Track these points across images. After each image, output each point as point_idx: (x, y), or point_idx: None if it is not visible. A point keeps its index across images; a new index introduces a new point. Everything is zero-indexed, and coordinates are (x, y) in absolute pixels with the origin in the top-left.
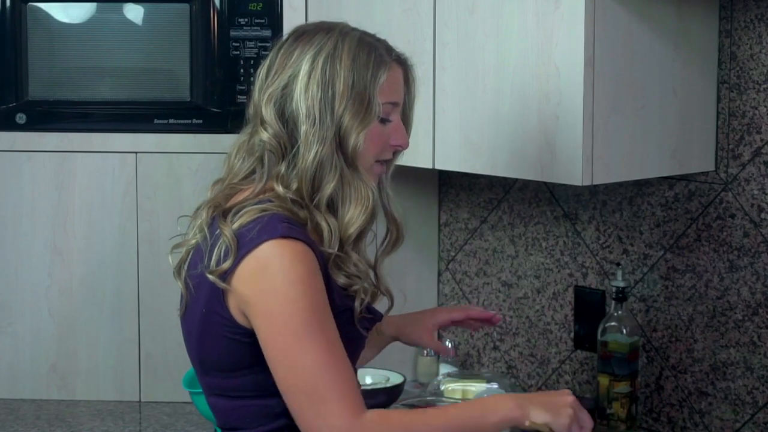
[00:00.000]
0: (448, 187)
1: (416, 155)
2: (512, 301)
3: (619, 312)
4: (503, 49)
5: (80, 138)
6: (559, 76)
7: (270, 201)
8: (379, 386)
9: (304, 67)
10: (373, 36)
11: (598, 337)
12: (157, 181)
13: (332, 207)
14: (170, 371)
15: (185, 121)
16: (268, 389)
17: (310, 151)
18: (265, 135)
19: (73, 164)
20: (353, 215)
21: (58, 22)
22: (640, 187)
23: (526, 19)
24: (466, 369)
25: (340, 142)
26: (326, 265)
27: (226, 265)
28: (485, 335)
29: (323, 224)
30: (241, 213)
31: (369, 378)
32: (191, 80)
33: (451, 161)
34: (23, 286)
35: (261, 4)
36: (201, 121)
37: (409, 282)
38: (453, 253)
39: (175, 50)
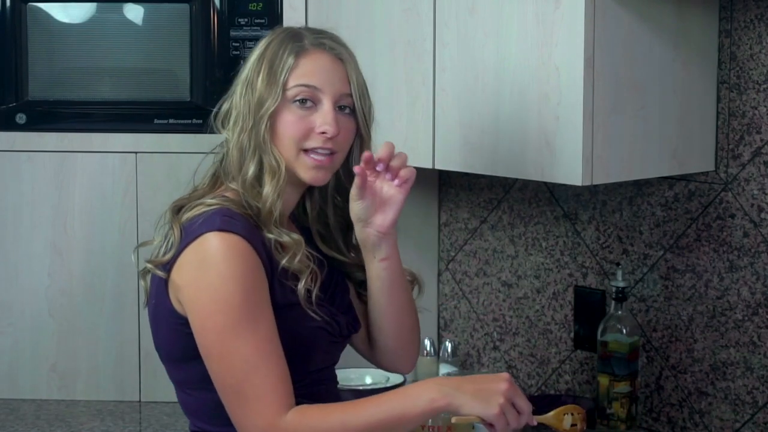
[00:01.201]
0: (448, 187)
1: (416, 155)
2: (512, 301)
3: (619, 312)
4: (503, 49)
5: (80, 138)
6: (559, 76)
7: (223, 197)
8: (379, 386)
9: (244, 72)
10: (314, 30)
11: (598, 337)
12: (157, 181)
13: (257, 188)
14: None
15: (185, 121)
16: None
17: (232, 140)
18: (223, 134)
19: (73, 164)
20: (266, 192)
21: (58, 22)
22: (640, 187)
23: (526, 19)
24: (466, 369)
25: (255, 129)
26: (270, 258)
27: (168, 256)
28: (485, 335)
29: (254, 205)
30: (192, 207)
31: (369, 378)
32: (191, 80)
33: (451, 161)
34: (23, 286)
35: (261, 4)
36: (201, 121)
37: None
38: (453, 253)
39: (175, 50)
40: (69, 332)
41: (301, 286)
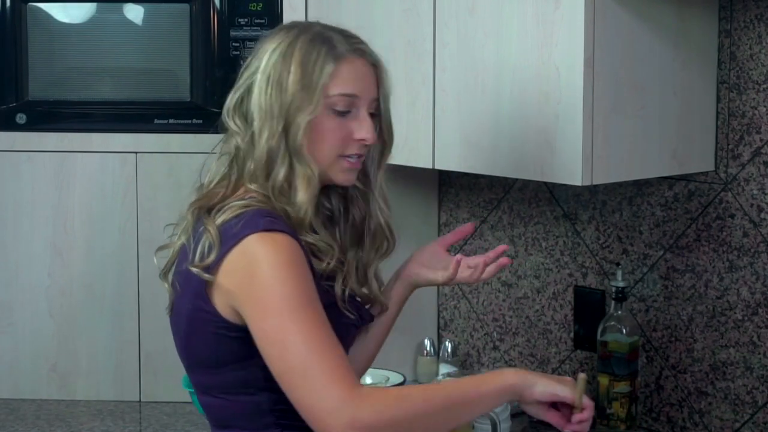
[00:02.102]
0: (448, 187)
1: (416, 155)
2: (512, 301)
3: (619, 312)
4: (503, 49)
5: (80, 138)
6: (559, 76)
7: (252, 197)
8: (378, 386)
9: (261, 65)
10: (337, 30)
11: (598, 336)
12: (157, 181)
13: (286, 195)
14: (170, 371)
15: (185, 121)
16: (255, 385)
17: (260, 143)
18: (235, 136)
19: (73, 164)
20: (301, 200)
21: (58, 22)
22: (640, 187)
23: (526, 19)
24: (466, 369)
25: (287, 133)
26: (307, 257)
27: (210, 259)
28: (485, 335)
29: (289, 210)
30: (223, 210)
31: (369, 378)
32: (191, 80)
33: (451, 161)
34: (23, 286)
35: (261, 4)
36: (201, 121)
37: None
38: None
39: (175, 50)
40: (69, 332)
41: (338, 287)
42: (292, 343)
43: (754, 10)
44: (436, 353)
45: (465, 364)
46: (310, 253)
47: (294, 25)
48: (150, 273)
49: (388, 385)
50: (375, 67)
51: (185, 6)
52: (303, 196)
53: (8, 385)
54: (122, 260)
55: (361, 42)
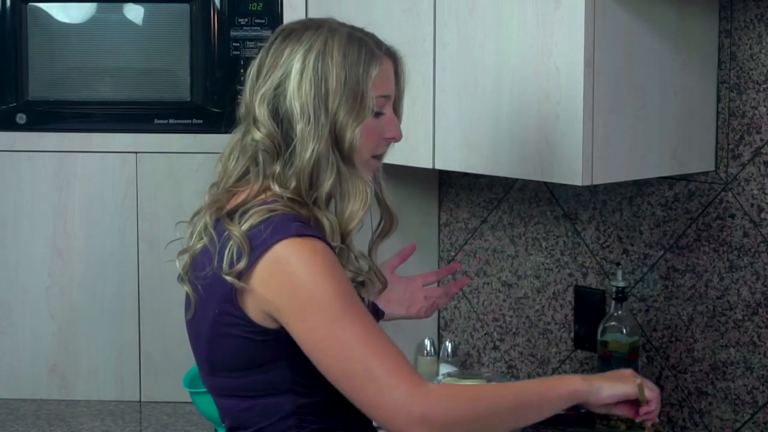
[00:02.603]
0: (448, 187)
1: (416, 155)
2: (512, 301)
3: (619, 312)
4: (503, 49)
5: (80, 138)
6: (559, 76)
7: (276, 201)
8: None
9: (296, 66)
10: (361, 30)
11: (598, 336)
12: (157, 181)
13: (329, 203)
14: (170, 371)
15: (185, 121)
16: (280, 387)
17: (306, 149)
18: (258, 135)
19: (73, 164)
20: (353, 210)
21: (58, 22)
22: (640, 187)
23: (526, 19)
24: (466, 369)
25: (336, 138)
26: None
27: (240, 265)
28: (485, 335)
29: (324, 221)
30: (249, 214)
31: None
32: (191, 80)
33: (451, 161)
34: (23, 286)
35: (261, 4)
36: (201, 121)
37: None
38: (453, 253)
39: (175, 50)
40: (69, 332)
41: (367, 300)
42: (348, 348)
43: (754, 10)
44: (436, 353)
45: (465, 364)
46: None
47: (317, 24)
48: (150, 273)
49: None
50: (397, 65)
51: (185, 6)
52: (357, 205)
53: (8, 385)
54: (122, 260)
55: (382, 39)
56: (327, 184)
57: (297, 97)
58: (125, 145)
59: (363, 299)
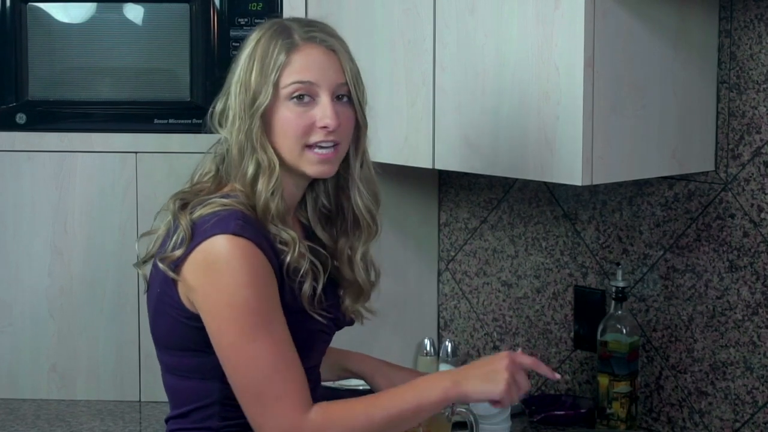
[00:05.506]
0: (448, 187)
1: (416, 155)
2: (512, 301)
3: (619, 312)
4: (503, 49)
5: (80, 138)
6: (559, 76)
7: (233, 197)
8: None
9: (237, 71)
10: (300, 20)
11: (598, 336)
12: (157, 181)
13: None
14: None
15: (185, 121)
16: (208, 373)
17: (232, 140)
18: (221, 134)
19: (73, 164)
20: (260, 189)
21: (58, 22)
22: (640, 187)
23: (526, 19)
24: None
25: (250, 126)
26: (279, 261)
27: (178, 252)
28: (485, 335)
29: (256, 203)
30: (203, 204)
31: None
32: (191, 80)
33: (451, 161)
34: (23, 286)
35: (261, 4)
36: (201, 121)
37: (409, 282)
38: (453, 253)
39: (175, 50)
40: (69, 332)
41: (306, 286)
42: (250, 363)
43: (754, 10)
44: (436, 353)
45: (465, 364)
46: (282, 246)
47: (263, 24)
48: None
49: None
50: (334, 52)
51: (185, 6)
52: (261, 186)
53: (8, 385)
54: (122, 260)
55: (319, 29)
56: (248, 171)
57: (233, 98)
58: (125, 145)
59: (300, 288)
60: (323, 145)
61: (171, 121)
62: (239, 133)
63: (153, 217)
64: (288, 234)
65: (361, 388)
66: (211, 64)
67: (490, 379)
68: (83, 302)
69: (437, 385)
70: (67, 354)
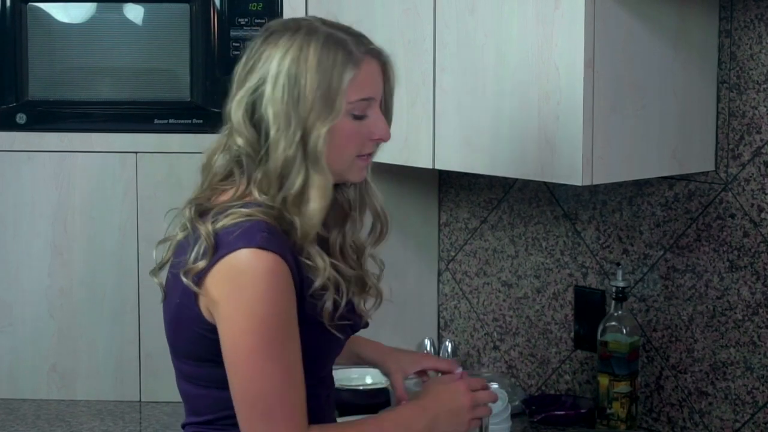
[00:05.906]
0: (448, 187)
1: (416, 155)
2: (512, 301)
3: (619, 312)
4: (503, 49)
5: (80, 138)
6: (559, 76)
7: (258, 206)
8: (379, 386)
9: (271, 71)
10: (344, 29)
11: (598, 336)
12: (157, 181)
13: (300, 206)
14: (170, 371)
15: (185, 121)
16: (228, 383)
17: (276, 153)
18: (239, 140)
19: (73, 164)
20: (314, 209)
21: (58, 22)
22: (640, 187)
23: (526, 19)
24: (466, 369)
25: (305, 142)
26: (301, 274)
27: (201, 264)
28: (485, 335)
29: (294, 221)
30: (225, 214)
31: (369, 378)
32: (191, 80)
33: (451, 161)
34: (23, 286)
35: (261, 4)
36: (201, 121)
37: (409, 282)
38: (453, 253)
39: (175, 50)
40: (69, 332)
41: (328, 304)
42: (257, 378)
43: (754, 10)
44: (436, 353)
45: (465, 364)
46: (306, 267)
47: (297, 26)
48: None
49: (387, 384)
50: (384, 64)
51: (185, 6)
52: (316, 204)
53: (8, 385)
54: (122, 260)
55: (371, 41)
56: (295, 187)
57: (271, 102)
58: (125, 145)
59: (323, 304)
60: (368, 153)
61: (171, 121)
62: (288, 147)
63: (153, 217)
64: (322, 260)
65: (361, 388)
66: (212, 64)
67: (456, 420)
68: (83, 302)
69: (416, 424)
70: (67, 354)
